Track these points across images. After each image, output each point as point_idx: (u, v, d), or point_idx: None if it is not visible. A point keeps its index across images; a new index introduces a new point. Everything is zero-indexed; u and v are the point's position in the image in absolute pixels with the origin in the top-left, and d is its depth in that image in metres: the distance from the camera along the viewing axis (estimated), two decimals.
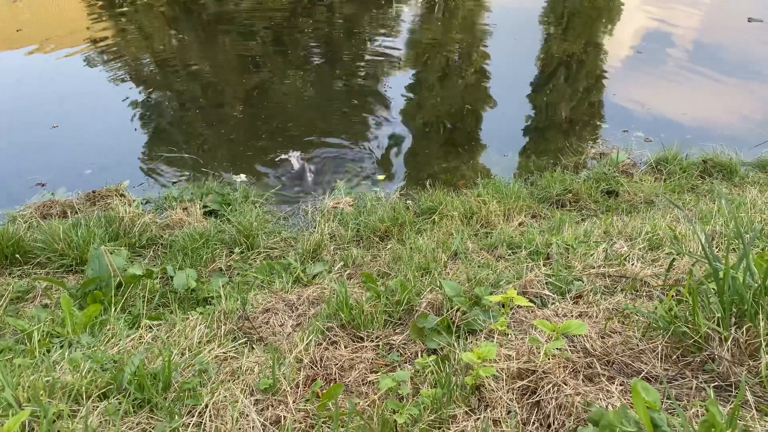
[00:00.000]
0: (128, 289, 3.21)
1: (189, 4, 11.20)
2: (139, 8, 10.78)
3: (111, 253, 3.51)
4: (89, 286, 3.08)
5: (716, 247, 3.27)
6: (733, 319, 1.99)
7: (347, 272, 3.71)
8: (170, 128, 6.37)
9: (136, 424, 1.95)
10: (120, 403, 2.01)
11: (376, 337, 2.64)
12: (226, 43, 9.34)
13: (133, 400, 2.07)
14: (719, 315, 1.99)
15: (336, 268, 3.74)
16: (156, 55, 8.67)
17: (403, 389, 1.81)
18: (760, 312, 1.94)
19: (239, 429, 1.88)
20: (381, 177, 5.59)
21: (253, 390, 2.17)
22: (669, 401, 1.80)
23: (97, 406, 2.01)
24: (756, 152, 5.62)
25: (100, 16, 10.33)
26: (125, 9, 10.77)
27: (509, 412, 1.86)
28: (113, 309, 2.95)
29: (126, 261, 3.43)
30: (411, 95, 7.52)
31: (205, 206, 4.60)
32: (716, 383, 1.87)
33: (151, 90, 7.35)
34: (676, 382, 1.93)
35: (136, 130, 6.25)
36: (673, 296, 2.39)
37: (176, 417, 1.92)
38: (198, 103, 7.01)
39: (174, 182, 5.22)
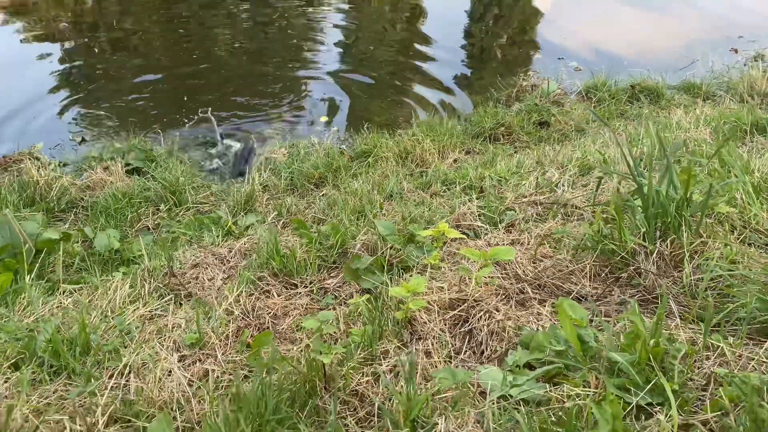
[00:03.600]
0: (45, 255, 3.02)
1: None
2: None
3: (24, 219, 3.29)
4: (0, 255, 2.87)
5: (644, 167, 3.31)
6: (658, 233, 2.00)
7: (281, 222, 3.60)
8: (86, 85, 5.98)
9: (53, 392, 1.83)
10: (33, 373, 1.89)
11: (310, 282, 2.58)
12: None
13: (49, 368, 1.94)
14: (644, 230, 1.99)
15: (269, 219, 3.62)
16: (72, 14, 8.09)
17: (328, 328, 1.74)
18: (683, 224, 1.95)
19: (162, 388, 1.79)
20: (323, 118, 5.47)
21: (179, 346, 2.08)
22: (598, 319, 1.80)
23: (9, 378, 1.88)
24: (681, 75, 5.71)
25: None
26: None
27: (441, 342, 1.83)
28: (28, 276, 2.77)
29: (41, 226, 3.22)
30: (345, 40, 7.31)
31: (127, 164, 4.36)
32: (643, 296, 1.88)
33: (65, 49, 6.87)
34: (605, 299, 1.94)
35: (48, 90, 5.83)
36: (602, 216, 2.39)
37: (92, 381, 1.81)
38: (116, 61, 6.60)
39: (91, 140, 4.93)
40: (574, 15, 8.03)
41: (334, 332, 1.98)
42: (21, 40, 7.13)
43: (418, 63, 6.58)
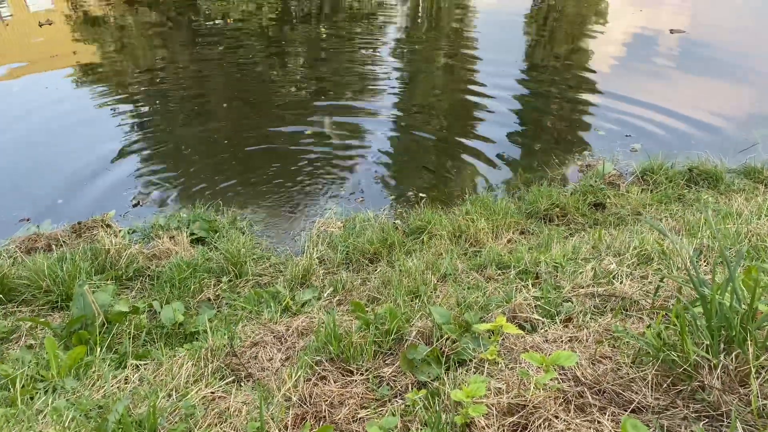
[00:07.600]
0: (114, 326, 3.17)
1: (179, 19, 11.18)
2: (127, 28, 10.74)
3: (97, 288, 3.47)
4: (74, 326, 3.03)
5: (704, 261, 3.27)
6: (722, 345, 1.97)
7: (337, 298, 3.68)
8: (155, 152, 6.32)
9: None
10: None
11: (366, 370, 2.61)
12: (217, 59, 9.34)
13: None
14: (707, 342, 1.97)
15: (325, 295, 3.71)
16: (142, 75, 8.66)
17: None
18: (748, 338, 1.92)
19: None
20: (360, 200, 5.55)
21: None
22: None
23: None
24: (741, 158, 5.64)
25: (85, 38, 10.30)
26: (111, 29, 10.73)
27: None
28: (99, 349, 2.90)
29: (112, 296, 3.38)
30: (398, 109, 7.54)
31: (192, 234, 4.56)
32: (707, 413, 1.85)
33: (134, 112, 7.33)
34: (668, 413, 1.91)
35: (117, 155, 6.19)
36: (662, 319, 2.37)
37: None
38: (187, 124, 6.98)
39: (148, 205, 5.22)
40: (630, 86, 8.10)
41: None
42: (97, 103, 7.64)
43: (472, 136, 6.73)
